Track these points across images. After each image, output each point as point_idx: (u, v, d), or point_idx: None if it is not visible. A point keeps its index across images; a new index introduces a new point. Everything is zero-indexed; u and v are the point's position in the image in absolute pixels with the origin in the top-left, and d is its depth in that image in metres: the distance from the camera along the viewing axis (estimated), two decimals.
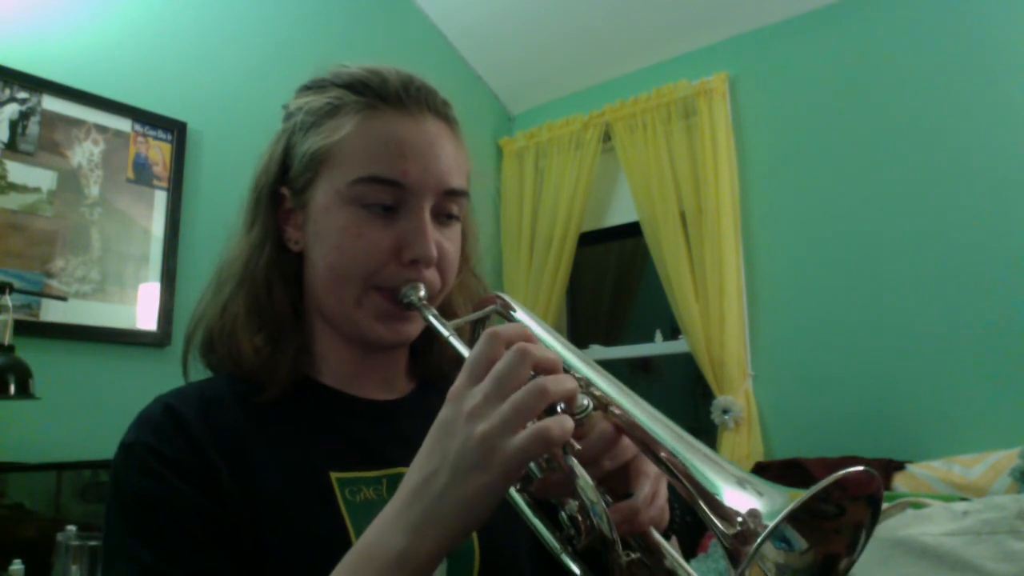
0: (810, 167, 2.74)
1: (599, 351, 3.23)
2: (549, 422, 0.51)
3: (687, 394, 3.63)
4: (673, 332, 3.01)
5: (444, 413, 0.54)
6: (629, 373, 3.54)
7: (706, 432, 2.89)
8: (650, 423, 0.55)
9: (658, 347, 3.13)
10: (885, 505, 1.70)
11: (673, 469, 0.52)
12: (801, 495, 0.44)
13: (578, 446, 0.54)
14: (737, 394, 2.69)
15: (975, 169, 2.40)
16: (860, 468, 0.46)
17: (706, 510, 0.49)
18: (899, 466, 2.19)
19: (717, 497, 0.49)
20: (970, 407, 2.32)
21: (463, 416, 0.52)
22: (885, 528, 1.66)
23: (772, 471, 2.39)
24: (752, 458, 2.61)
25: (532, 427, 0.50)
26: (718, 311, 2.73)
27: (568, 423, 0.51)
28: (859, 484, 0.47)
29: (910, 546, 1.61)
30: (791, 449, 2.56)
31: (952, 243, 2.42)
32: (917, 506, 1.75)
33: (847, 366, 2.55)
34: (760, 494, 0.47)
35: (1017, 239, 2.31)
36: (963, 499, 1.85)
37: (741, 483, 0.49)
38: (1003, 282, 2.31)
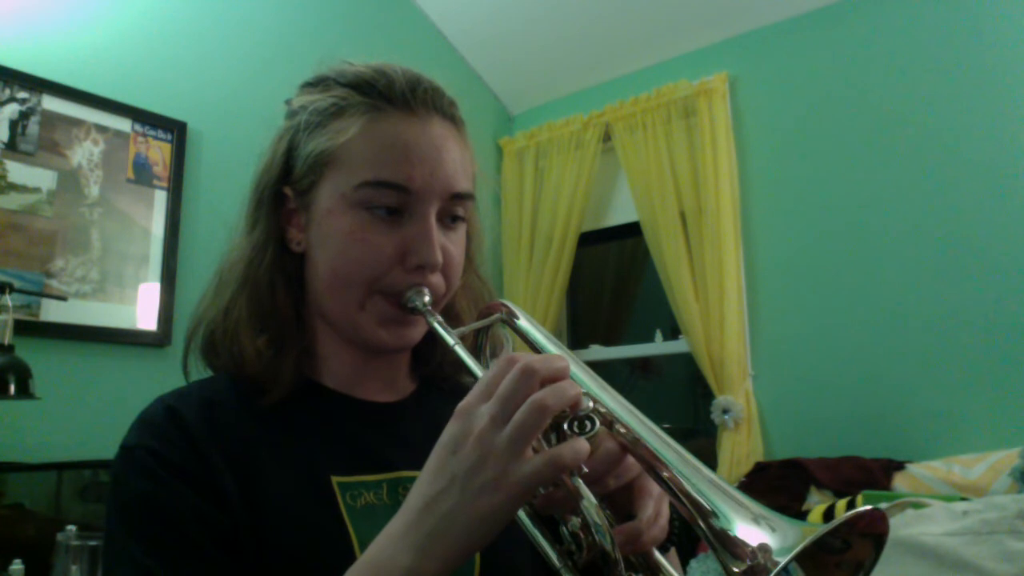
0: (810, 167, 2.74)
1: (599, 351, 3.23)
2: (562, 448, 0.50)
3: (687, 394, 3.62)
4: (673, 332, 3.01)
5: (452, 429, 0.54)
6: (629, 373, 3.54)
7: (706, 432, 2.89)
8: (655, 443, 0.55)
9: (658, 347, 3.13)
10: (885, 505, 1.70)
11: (678, 492, 0.52)
12: (815, 531, 0.44)
13: (585, 468, 0.54)
14: (737, 394, 2.69)
15: (975, 168, 2.40)
16: (871, 507, 0.47)
17: (712, 540, 0.49)
18: (899, 466, 2.19)
19: (729, 532, 0.48)
20: (970, 407, 2.32)
21: (471, 436, 0.52)
22: None
23: (772, 471, 2.39)
24: (752, 458, 2.61)
25: (545, 453, 0.50)
26: (718, 311, 2.73)
27: (582, 449, 0.51)
28: (870, 522, 0.48)
29: (910, 546, 1.61)
30: (791, 449, 2.56)
31: (952, 243, 2.42)
32: (917, 506, 1.75)
33: (847, 366, 2.55)
34: (773, 529, 0.47)
35: (1017, 239, 2.31)
36: (963, 499, 1.85)
37: (755, 517, 0.48)
38: (1003, 282, 2.31)
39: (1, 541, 1.75)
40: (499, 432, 0.51)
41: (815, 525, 0.45)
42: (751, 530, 0.47)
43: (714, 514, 0.49)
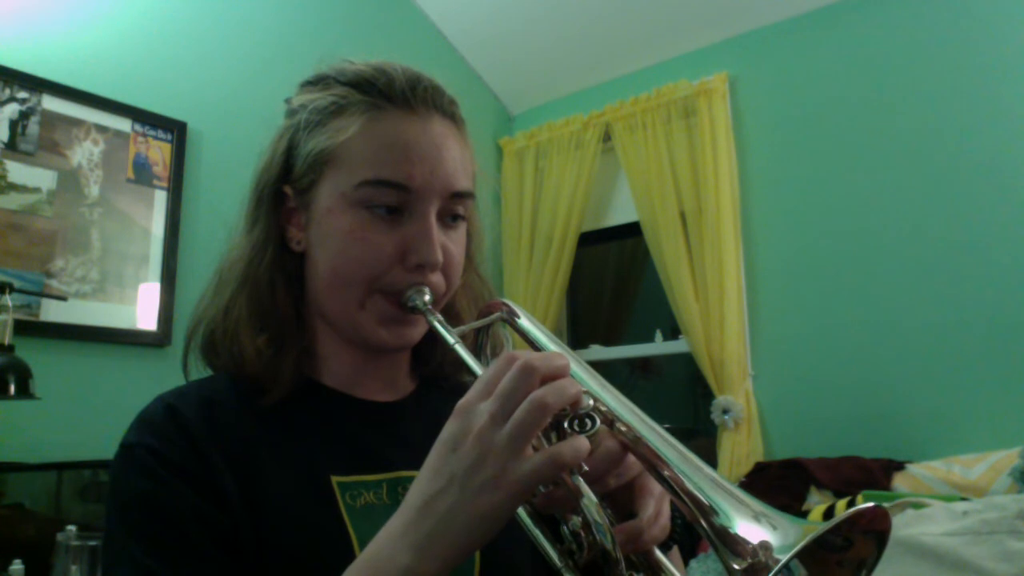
0: (810, 167, 2.74)
1: (599, 351, 3.23)
2: (563, 447, 0.50)
3: (687, 394, 3.62)
4: (673, 332, 3.00)
5: (451, 427, 0.53)
6: (629, 373, 3.54)
7: (706, 432, 2.89)
8: (656, 442, 0.55)
9: (658, 347, 3.13)
10: (885, 505, 1.69)
11: (679, 491, 0.52)
12: (816, 529, 0.44)
13: (585, 467, 0.54)
14: (737, 394, 2.69)
15: (975, 169, 2.40)
16: (873, 504, 0.47)
17: (714, 538, 0.49)
18: (899, 466, 2.19)
19: (730, 530, 0.48)
20: (970, 407, 2.32)
21: (471, 434, 0.51)
22: None
23: (772, 471, 2.39)
24: (752, 458, 2.61)
25: (545, 451, 0.50)
26: (718, 311, 2.73)
27: (582, 447, 0.51)
28: (871, 519, 0.47)
29: (910, 546, 1.61)
30: (791, 449, 2.56)
31: (952, 243, 2.42)
32: (917, 506, 1.75)
33: (847, 366, 2.55)
34: (774, 527, 0.47)
35: (1017, 239, 2.31)
36: (963, 499, 1.85)
37: (756, 515, 0.48)
38: (1003, 282, 2.31)
39: (1, 541, 1.75)
40: (499, 430, 0.50)
41: (816, 523, 0.45)
42: (752, 528, 0.47)
43: (715, 512, 0.49)
